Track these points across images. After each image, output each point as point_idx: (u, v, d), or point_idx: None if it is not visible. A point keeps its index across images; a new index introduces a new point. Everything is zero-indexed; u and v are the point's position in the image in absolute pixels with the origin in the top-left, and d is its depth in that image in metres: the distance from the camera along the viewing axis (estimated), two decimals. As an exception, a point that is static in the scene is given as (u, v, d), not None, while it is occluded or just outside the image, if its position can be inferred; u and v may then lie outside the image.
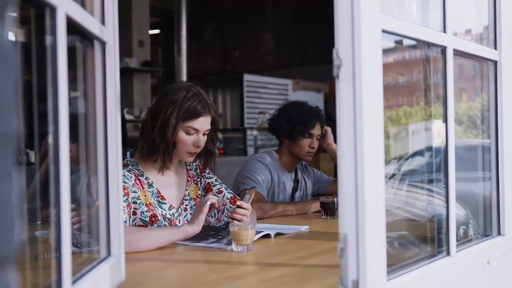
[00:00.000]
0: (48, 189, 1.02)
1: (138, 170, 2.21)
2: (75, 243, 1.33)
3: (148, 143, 2.19)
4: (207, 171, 2.41)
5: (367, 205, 1.15)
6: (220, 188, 2.38)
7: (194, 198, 2.34)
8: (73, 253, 1.07)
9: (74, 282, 1.08)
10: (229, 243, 1.90)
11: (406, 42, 1.53)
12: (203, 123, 2.19)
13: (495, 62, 1.78)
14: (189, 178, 2.36)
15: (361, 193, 1.15)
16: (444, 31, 1.49)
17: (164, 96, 2.20)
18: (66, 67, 1.01)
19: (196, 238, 2.02)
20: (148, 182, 2.21)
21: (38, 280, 1.14)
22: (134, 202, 2.12)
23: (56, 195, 1.00)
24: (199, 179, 2.39)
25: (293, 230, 2.27)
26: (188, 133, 2.17)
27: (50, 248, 1.39)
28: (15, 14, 0.62)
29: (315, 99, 6.88)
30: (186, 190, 2.33)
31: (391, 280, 1.25)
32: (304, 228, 2.34)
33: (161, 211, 2.19)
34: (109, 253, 1.36)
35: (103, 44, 1.33)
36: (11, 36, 0.60)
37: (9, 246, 0.58)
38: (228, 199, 2.33)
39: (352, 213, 1.16)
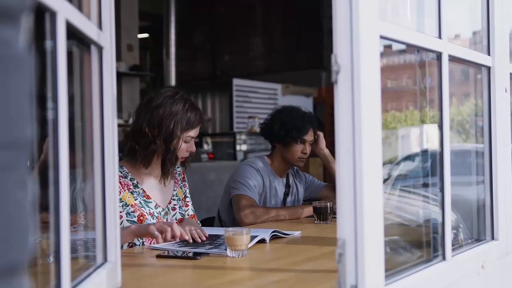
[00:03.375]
0: (41, 194, 1.02)
1: (121, 172, 2.25)
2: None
3: (150, 153, 2.25)
4: (185, 181, 2.53)
5: (366, 211, 1.15)
6: (189, 201, 2.52)
7: (182, 199, 2.45)
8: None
9: (72, 288, 1.08)
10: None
11: (395, 46, 1.54)
12: (197, 130, 2.33)
13: (489, 68, 1.80)
14: (176, 180, 2.46)
15: (359, 198, 1.15)
16: (440, 37, 1.50)
17: (159, 107, 2.24)
18: (65, 72, 1.01)
19: (194, 245, 2.01)
20: (133, 183, 2.27)
21: (36, 286, 1.13)
22: None
23: (55, 200, 0.99)
24: (183, 184, 2.51)
25: (288, 234, 2.27)
26: (185, 142, 2.29)
27: (43, 254, 1.38)
28: (30, 20, 0.62)
29: (304, 104, 6.88)
30: (174, 190, 2.42)
31: (389, 285, 1.25)
32: (297, 233, 2.33)
33: (148, 210, 2.26)
34: (105, 259, 1.35)
35: (100, 49, 1.32)
36: (26, 42, 0.60)
37: (24, 253, 0.58)
38: (189, 215, 2.44)
39: (351, 218, 1.16)
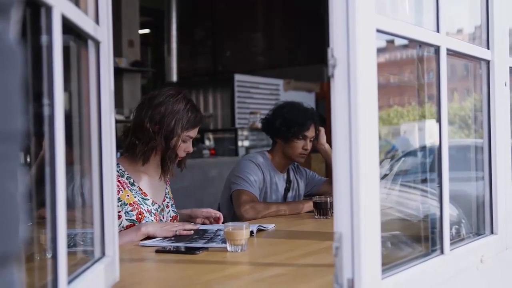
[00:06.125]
0: (40, 190, 1.02)
1: (118, 171, 2.25)
2: (68, 243, 1.32)
3: (150, 149, 2.26)
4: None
5: (362, 204, 1.15)
6: (172, 202, 2.51)
7: (171, 198, 2.48)
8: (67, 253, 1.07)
9: (69, 282, 1.08)
10: (225, 241, 1.90)
11: (398, 41, 1.54)
12: (196, 131, 2.36)
13: (488, 62, 1.79)
14: (167, 179, 2.48)
15: (356, 192, 1.15)
16: (438, 30, 1.50)
17: (161, 104, 2.27)
18: (61, 67, 1.01)
19: (186, 241, 2.02)
20: (129, 181, 2.29)
21: (33, 280, 1.13)
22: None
23: (52, 195, 0.99)
24: (169, 184, 2.53)
25: (266, 228, 2.31)
26: (184, 141, 2.31)
27: (42, 249, 1.38)
28: (19, 13, 0.62)
29: (306, 99, 6.88)
30: (166, 189, 2.46)
31: (386, 278, 1.25)
32: (272, 226, 2.36)
33: (146, 207, 2.28)
34: (103, 254, 1.36)
35: (97, 43, 1.32)
36: (16, 35, 0.60)
37: (15, 244, 0.59)
38: (171, 217, 2.43)
39: (347, 212, 1.16)
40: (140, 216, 2.23)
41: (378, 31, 1.23)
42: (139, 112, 2.29)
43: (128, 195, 2.24)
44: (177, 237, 2.08)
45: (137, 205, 2.25)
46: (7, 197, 0.57)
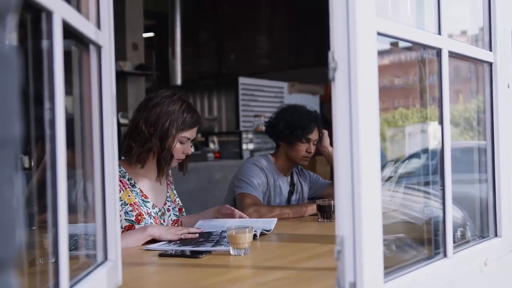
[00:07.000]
0: (44, 194, 1.02)
1: (119, 172, 2.26)
2: (71, 247, 1.32)
3: (145, 151, 2.26)
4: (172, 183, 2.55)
5: (364, 207, 1.15)
6: (173, 206, 2.49)
7: (173, 201, 2.47)
8: (70, 258, 1.07)
9: (71, 286, 1.08)
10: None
11: (402, 44, 1.53)
12: (194, 132, 2.35)
13: (490, 64, 1.79)
14: (169, 183, 2.48)
15: (357, 195, 1.15)
16: (439, 33, 1.49)
17: (156, 106, 2.27)
18: (62, 72, 1.01)
19: (191, 244, 2.01)
20: (130, 183, 2.29)
21: (35, 285, 1.14)
22: None
23: (53, 200, 1.00)
24: (173, 186, 2.53)
25: (267, 223, 2.32)
26: (181, 143, 2.30)
27: (45, 254, 1.39)
28: (16, 19, 0.62)
29: (310, 102, 6.88)
30: (167, 192, 2.45)
31: (388, 282, 1.25)
32: (273, 223, 2.36)
33: (146, 209, 2.28)
34: (106, 258, 1.36)
35: (98, 48, 1.33)
36: (13, 41, 0.61)
37: (11, 249, 0.59)
38: (172, 221, 2.43)
39: (349, 215, 1.16)
40: (139, 218, 2.23)
41: (379, 34, 1.23)
42: (136, 115, 2.31)
43: (129, 195, 2.25)
44: (183, 241, 2.08)
45: (137, 206, 2.25)
46: (3, 202, 0.57)
